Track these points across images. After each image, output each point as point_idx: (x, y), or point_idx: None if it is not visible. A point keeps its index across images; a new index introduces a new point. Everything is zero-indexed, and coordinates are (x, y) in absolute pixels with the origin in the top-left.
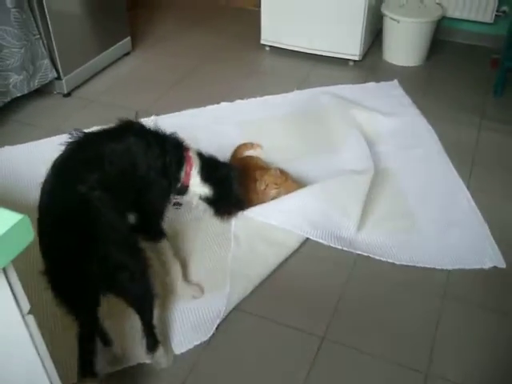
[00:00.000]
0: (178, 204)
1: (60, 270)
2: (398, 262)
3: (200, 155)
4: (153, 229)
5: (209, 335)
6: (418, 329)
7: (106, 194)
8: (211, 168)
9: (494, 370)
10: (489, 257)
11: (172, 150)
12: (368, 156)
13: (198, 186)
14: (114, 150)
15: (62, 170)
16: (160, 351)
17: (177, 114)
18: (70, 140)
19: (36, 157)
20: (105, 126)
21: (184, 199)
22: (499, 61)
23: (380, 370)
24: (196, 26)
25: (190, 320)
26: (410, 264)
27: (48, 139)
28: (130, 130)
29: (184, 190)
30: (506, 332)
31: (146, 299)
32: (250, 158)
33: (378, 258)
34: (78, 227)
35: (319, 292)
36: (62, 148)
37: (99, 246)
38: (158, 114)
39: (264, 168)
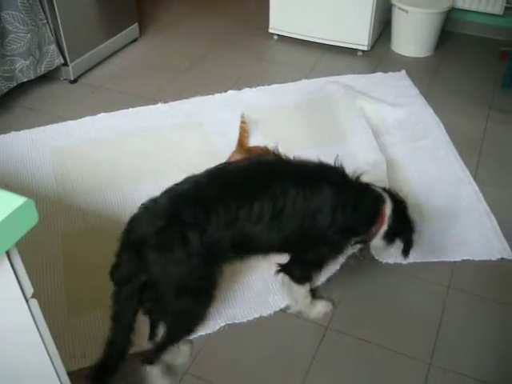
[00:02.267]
0: None
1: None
2: (404, 262)
3: (393, 207)
4: (304, 274)
5: None
6: (422, 319)
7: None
8: (397, 226)
9: (496, 362)
10: (496, 248)
11: (368, 206)
12: (376, 147)
13: (377, 243)
14: (296, 194)
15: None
16: (151, 369)
17: (185, 101)
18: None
19: (41, 143)
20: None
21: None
22: (508, 53)
23: (382, 359)
24: (203, 11)
25: None
26: (417, 261)
27: (54, 125)
28: (326, 176)
29: (362, 242)
30: (508, 325)
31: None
32: (257, 148)
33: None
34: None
35: (322, 282)
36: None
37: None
38: (165, 101)
39: None
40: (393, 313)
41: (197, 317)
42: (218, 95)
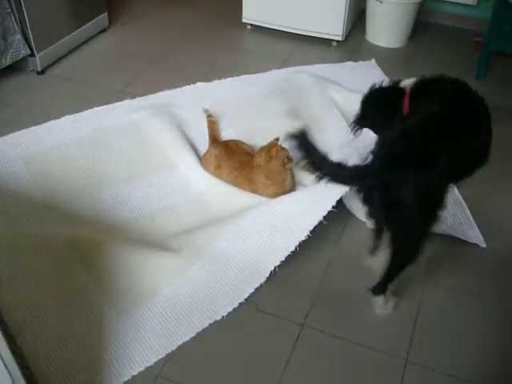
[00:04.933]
0: None
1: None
2: None
3: None
4: None
5: None
6: (398, 315)
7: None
8: None
9: (470, 358)
10: (470, 236)
11: None
12: (351, 138)
13: None
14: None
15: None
16: (379, 299)
17: (152, 96)
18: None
19: (12, 153)
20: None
21: None
22: (482, 43)
23: (359, 356)
24: (175, 0)
25: None
26: None
27: (21, 132)
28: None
29: None
30: (484, 318)
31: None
32: (233, 142)
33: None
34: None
35: (299, 278)
36: None
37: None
38: (133, 97)
39: (250, 152)
40: (369, 309)
41: (425, 235)
42: (186, 87)
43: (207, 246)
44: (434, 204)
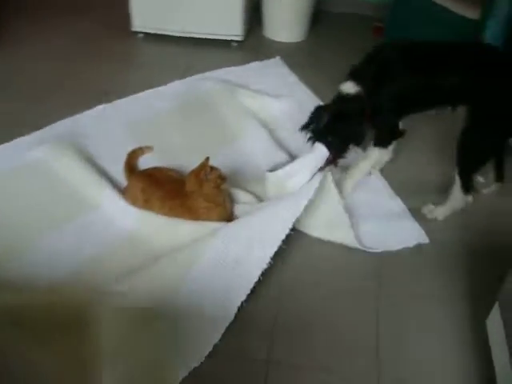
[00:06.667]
0: None
1: None
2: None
3: None
4: None
5: None
6: (358, 334)
7: None
8: None
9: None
10: (411, 234)
11: None
12: (275, 146)
13: None
14: None
15: None
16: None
17: (51, 126)
18: None
19: None
20: None
21: None
22: (382, 29)
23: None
24: (55, 15)
25: None
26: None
27: None
28: None
29: None
30: (445, 321)
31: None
32: (156, 170)
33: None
34: None
35: (253, 315)
36: None
37: None
38: (29, 131)
39: (178, 178)
40: (329, 333)
41: None
42: (86, 112)
43: (169, 294)
44: None
